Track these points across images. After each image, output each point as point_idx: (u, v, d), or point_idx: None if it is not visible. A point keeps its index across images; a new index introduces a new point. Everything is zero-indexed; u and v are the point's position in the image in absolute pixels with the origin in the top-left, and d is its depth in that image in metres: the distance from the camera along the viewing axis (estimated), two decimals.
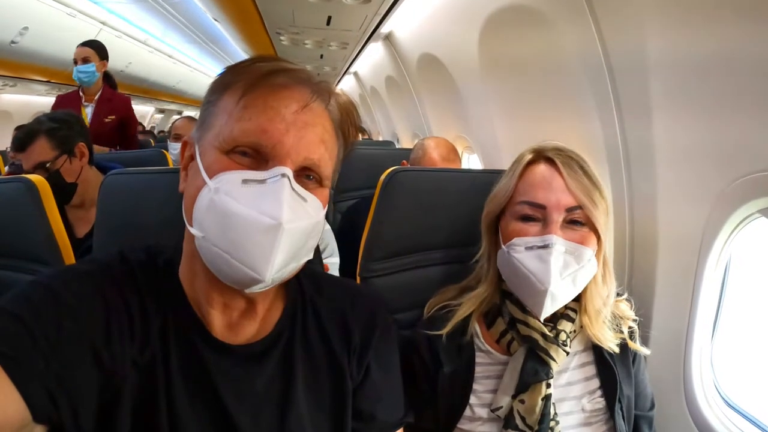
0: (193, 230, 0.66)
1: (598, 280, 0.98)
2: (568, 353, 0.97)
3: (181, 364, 0.69)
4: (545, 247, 0.91)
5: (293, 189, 0.65)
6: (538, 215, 0.95)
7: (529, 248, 0.93)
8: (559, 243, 0.91)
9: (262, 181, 0.64)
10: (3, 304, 0.59)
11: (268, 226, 0.61)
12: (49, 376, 0.57)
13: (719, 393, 1.16)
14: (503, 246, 0.98)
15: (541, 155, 0.99)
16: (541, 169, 0.97)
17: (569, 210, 0.93)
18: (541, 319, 0.94)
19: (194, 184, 0.67)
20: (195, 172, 0.68)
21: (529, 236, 0.94)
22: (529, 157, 1.00)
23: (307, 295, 0.82)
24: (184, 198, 0.70)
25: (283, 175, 0.64)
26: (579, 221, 0.94)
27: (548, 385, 0.94)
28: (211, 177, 0.65)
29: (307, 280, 0.84)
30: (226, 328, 0.73)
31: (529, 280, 0.92)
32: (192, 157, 0.71)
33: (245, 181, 0.64)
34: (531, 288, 0.92)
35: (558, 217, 0.93)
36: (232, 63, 0.74)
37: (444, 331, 1.02)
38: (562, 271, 0.91)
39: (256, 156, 0.66)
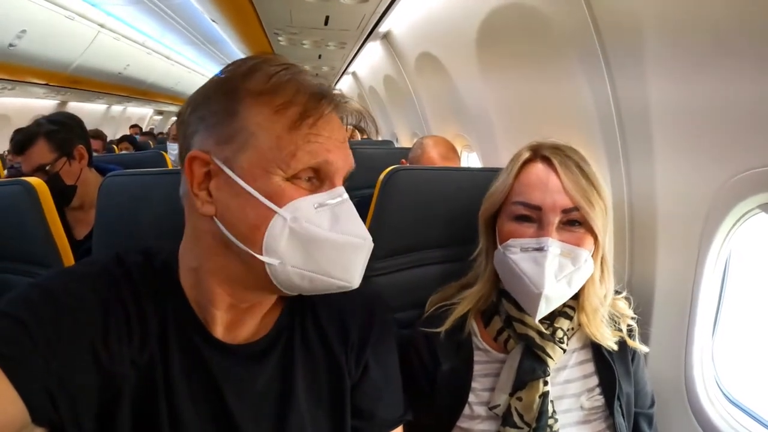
0: (265, 258, 0.65)
1: (595, 279, 0.97)
2: (565, 350, 0.97)
3: (182, 363, 0.69)
4: (540, 249, 0.90)
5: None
6: (533, 216, 0.94)
7: (525, 249, 0.92)
8: (554, 246, 0.90)
9: (331, 204, 0.69)
10: (1, 306, 0.60)
11: (359, 245, 0.69)
12: (48, 377, 0.57)
13: (721, 389, 1.16)
14: (499, 246, 0.98)
15: (538, 154, 0.98)
16: (538, 168, 0.96)
17: (565, 211, 0.92)
18: (536, 321, 0.94)
19: (254, 212, 0.65)
20: (239, 197, 0.65)
21: (524, 237, 0.93)
22: (526, 155, 0.99)
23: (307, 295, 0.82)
24: (236, 224, 0.66)
25: (343, 196, 0.70)
26: (576, 222, 0.93)
27: (545, 383, 0.94)
28: (281, 206, 0.65)
29: None
30: (226, 328, 0.73)
31: (524, 282, 0.91)
32: (210, 175, 0.67)
33: (317, 206, 0.67)
34: (525, 290, 0.92)
35: (554, 219, 0.92)
36: (230, 64, 0.73)
37: (442, 329, 1.02)
38: (557, 273, 0.90)
39: (314, 178, 0.69)
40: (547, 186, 0.93)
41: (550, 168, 0.95)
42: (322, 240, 0.66)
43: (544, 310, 0.91)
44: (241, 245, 0.66)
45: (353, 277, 0.69)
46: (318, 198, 0.67)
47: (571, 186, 0.92)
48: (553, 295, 0.90)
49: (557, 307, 0.96)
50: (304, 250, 0.65)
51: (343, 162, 0.70)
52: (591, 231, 0.93)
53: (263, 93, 0.66)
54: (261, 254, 0.65)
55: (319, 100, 0.67)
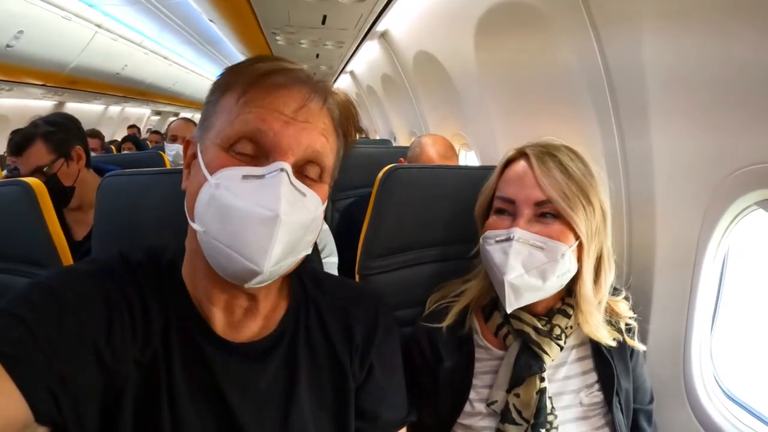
0: (194, 225, 0.67)
1: (585, 281, 0.96)
2: (562, 348, 0.98)
3: (184, 362, 0.69)
4: (508, 239, 0.93)
5: (292, 183, 0.66)
6: (509, 209, 0.97)
7: (498, 241, 0.95)
8: (521, 236, 0.92)
9: (261, 176, 0.65)
10: (3, 305, 0.59)
11: (266, 218, 0.62)
12: (51, 376, 0.57)
13: (719, 385, 1.17)
14: (480, 239, 1.00)
15: (521, 152, 1.01)
16: (518, 165, 0.99)
17: (538, 204, 0.94)
18: (508, 311, 0.95)
19: (196, 181, 0.68)
20: (197, 170, 0.69)
21: (498, 229, 0.96)
22: (510, 154, 1.02)
23: (310, 295, 0.83)
24: (187, 195, 0.71)
25: (282, 170, 0.65)
26: (550, 215, 0.94)
27: (542, 379, 0.95)
28: (211, 173, 0.66)
29: (309, 279, 0.85)
30: (229, 327, 0.74)
31: (494, 272, 0.94)
32: (194, 156, 0.71)
33: (245, 177, 0.65)
34: (495, 278, 0.94)
35: (525, 211, 0.94)
36: (228, 64, 0.75)
37: (443, 324, 1.03)
38: (527, 264, 0.91)
39: (256, 152, 0.67)
40: (523, 180, 0.96)
41: (528, 164, 0.97)
42: (232, 207, 0.63)
43: (513, 299, 0.92)
44: (186, 213, 0.69)
45: (259, 258, 0.63)
46: (247, 170, 0.65)
47: (545, 180, 0.93)
48: (521, 285, 0.91)
49: (556, 303, 0.98)
50: (220, 219, 0.64)
51: (288, 138, 0.66)
52: (569, 226, 0.93)
53: (237, 82, 0.69)
54: (194, 221, 0.67)
55: (268, 73, 0.69)
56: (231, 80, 0.70)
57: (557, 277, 0.93)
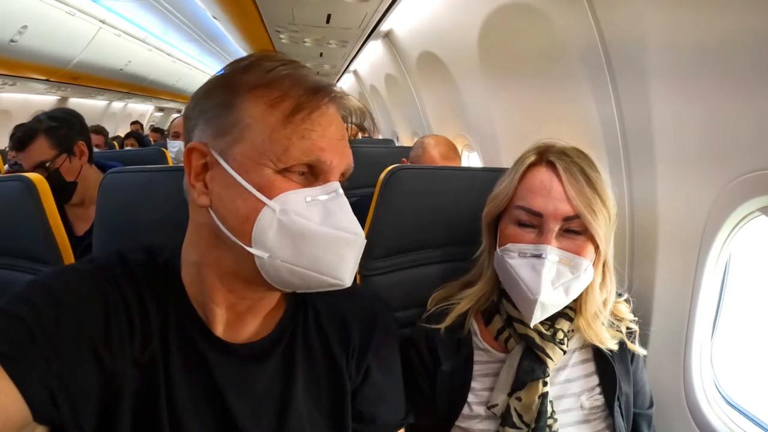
0: (253, 250, 0.65)
1: (595, 285, 0.96)
2: (565, 352, 0.97)
3: (182, 362, 0.69)
4: (538, 256, 0.90)
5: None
6: (534, 222, 0.93)
7: (523, 255, 0.92)
8: (552, 253, 0.90)
9: (323, 199, 0.67)
10: (2, 304, 0.59)
11: (351, 241, 0.67)
12: (49, 376, 0.57)
13: (719, 391, 1.16)
14: (498, 249, 0.97)
15: (543, 158, 0.96)
16: (542, 173, 0.95)
17: (567, 219, 0.91)
18: (531, 325, 0.94)
19: (243, 204, 0.65)
20: (231, 188, 0.66)
21: (524, 242, 0.93)
22: (531, 158, 0.97)
23: (309, 296, 0.82)
24: (227, 216, 0.66)
25: (337, 191, 0.68)
26: (576, 230, 0.92)
27: (545, 383, 0.94)
28: (271, 198, 0.64)
29: None
30: (228, 327, 0.73)
31: (520, 288, 0.91)
32: (207, 167, 0.68)
33: (308, 200, 0.66)
34: (522, 295, 0.91)
35: (554, 226, 0.91)
36: (232, 61, 0.73)
37: (442, 326, 1.02)
38: (555, 281, 0.90)
39: (307, 173, 0.68)
40: (550, 193, 0.92)
41: (554, 174, 0.93)
42: (312, 234, 0.64)
43: (539, 315, 0.91)
44: (232, 237, 0.66)
45: (344, 275, 0.67)
46: (310, 192, 0.66)
47: (575, 194, 0.90)
48: (549, 302, 0.90)
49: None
50: (293, 244, 0.64)
51: (338, 160, 0.68)
52: (592, 239, 0.92)
53: (260, 86, 0.66)
54: (250, 246, 0.65)
55: (314, 93, 0.67)
56: (255, 83, 0.67)
57: (579, 290, 0.93)
